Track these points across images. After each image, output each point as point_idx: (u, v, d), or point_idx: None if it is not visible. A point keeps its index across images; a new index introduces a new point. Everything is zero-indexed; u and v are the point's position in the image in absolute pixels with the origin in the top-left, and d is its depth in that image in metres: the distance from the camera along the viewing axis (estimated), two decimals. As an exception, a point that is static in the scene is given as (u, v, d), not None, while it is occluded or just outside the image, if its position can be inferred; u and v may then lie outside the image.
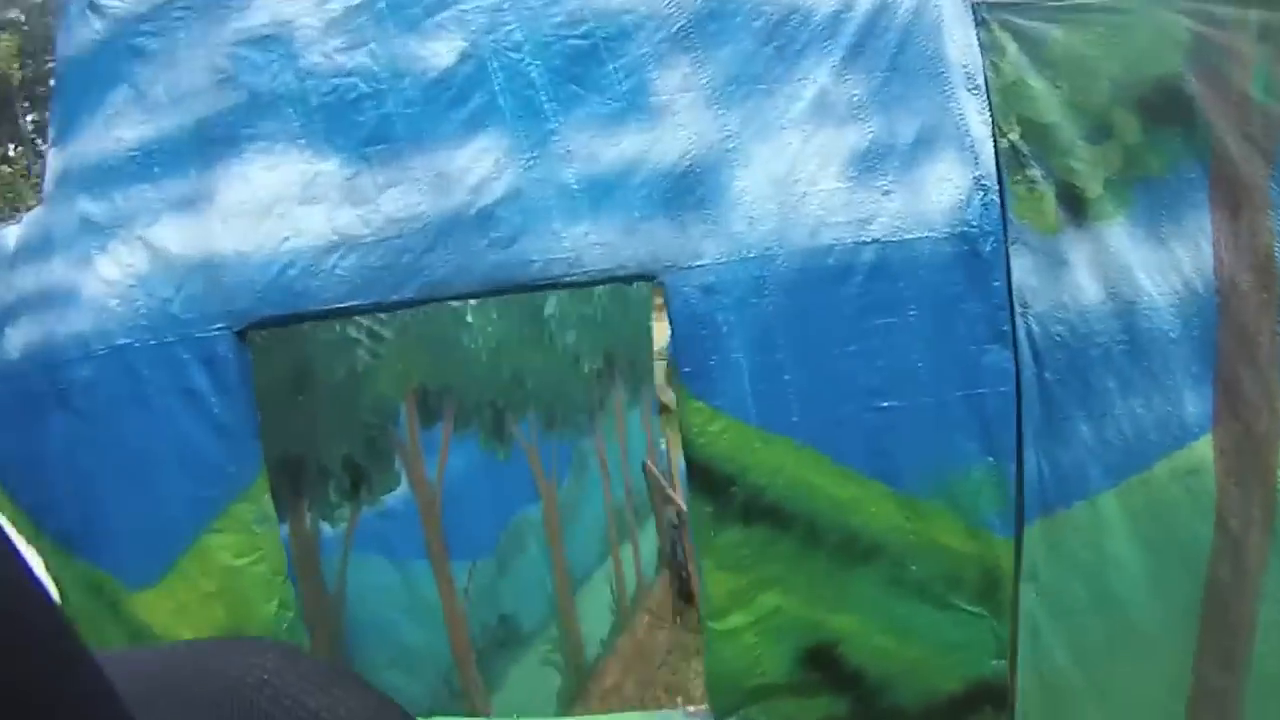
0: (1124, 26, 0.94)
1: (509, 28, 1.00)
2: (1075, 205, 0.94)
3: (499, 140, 1.01)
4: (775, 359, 0.95)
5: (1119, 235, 0.92)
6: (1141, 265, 0.91)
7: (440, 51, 1.03)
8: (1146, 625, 1.03)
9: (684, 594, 3.12)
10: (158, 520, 1.33)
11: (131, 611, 1.26)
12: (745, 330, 0.96)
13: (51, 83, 1.57)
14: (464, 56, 1.01)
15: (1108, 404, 0.94)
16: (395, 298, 1.05)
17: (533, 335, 1.69)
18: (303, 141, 1.11)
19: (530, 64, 1.00)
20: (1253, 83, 0.94)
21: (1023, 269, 0.92)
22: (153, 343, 1.29)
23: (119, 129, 1.38)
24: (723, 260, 0.96)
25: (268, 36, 1.14)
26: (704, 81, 0.96)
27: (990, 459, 0.96)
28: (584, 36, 0.99)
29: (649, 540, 2.80)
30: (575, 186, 0.99)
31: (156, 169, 1.27)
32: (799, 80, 0.95)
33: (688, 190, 0.97)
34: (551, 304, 1.78)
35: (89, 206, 1.43)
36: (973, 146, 0.94)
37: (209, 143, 1.19)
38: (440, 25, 1.02)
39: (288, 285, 1.13)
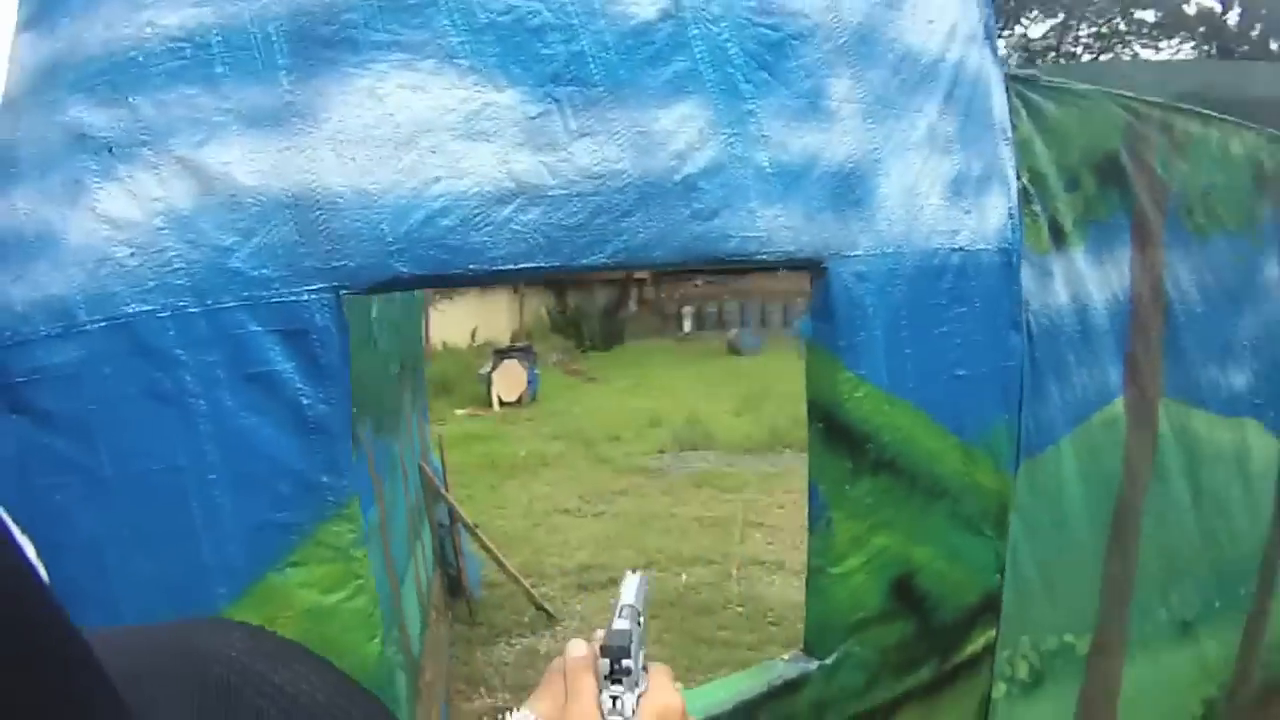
0: (1089, 109, 1.28)
1: None
2: (1058, 235, 1.26)
3: (703, 110, 0.91)
4: (900, 336, 1.09)
5: (1080, 258, 1.29)
6: (1091, 280, 1.30)
7: (639, 0, 0.88)
8: (1081, 537, 1.38)
9: (452, 589, 2.94)
10: (178, 568, 0.79)
11: None
12: (882, 312, 1.07)
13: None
14: (664, 15, 0.89)
15: (1069, 374, 1.30)
16: (585, 261, 0.87)
17: (363, 338, 1.54)
18: (464, 63, 0.81)
19: (730, 40, 0.92)
20: (1156, 161, 1.34)
21: (1026, 277, 1.20)
22: (195, 309, 0.75)
23: (152, 10, 0.75)
24: (872, 253, 1.05)
25: None
26: (861, 95, 1.02)
27: (1006, 415, 1.20)
28: (773, 28, 0.95)
29: (428, 538, 2.73)
30: (770, 170, 0.96)
31: (220, 68, 0.75)
32: (916, 111, 1.07)
33: (849, 189, 1.02)
34: (375, 307, 1.63)
35: (88, 115, 0.75)
36: (1008, 184, 1.18)
37: (314, 42, 0.77)
38: None
39: (438, 238, 0.80)
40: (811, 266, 1.03)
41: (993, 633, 1.28)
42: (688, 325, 14.96)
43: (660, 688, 0.59)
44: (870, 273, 1.05)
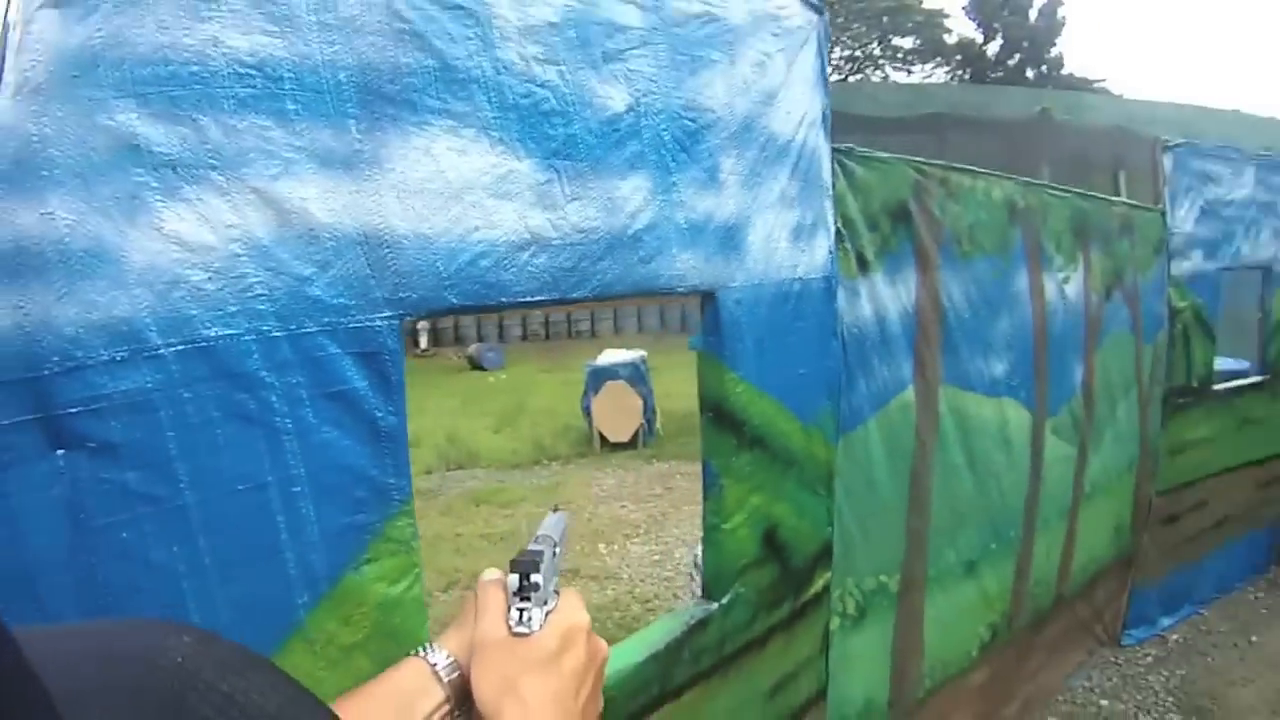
0: (887, 172, 1.88)
1: (656, 97, 1.29)
2: (863, 264, 1.81)
3: (646, 181, 1.29)
4: (763, 345, 1.54)
5: (880, 281, 1.86)
6: (888, 297, 1.87)
7: (613, 96, 1.22)
8: (888, 497, 1.96)
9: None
10: (264, 582, 0.90)
11: None
12: (752, 328, 1.51)
13: None
14: (629, 108, 1.25)
15: (873, 369, 1.85)
16: (574, 295, 1.18)
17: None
18: (495, 134, 1.07)
19: (665, 129, 1.32)
20: (935, 205, 1.99)
21: (841, 298, 1.73)
22: (279, 333, 0.89)
23: (218, 25, 0.84)
24: (745, 284, 1.49)
25: (463, 8, 1.03)
26: (741, 169, 1.47)
27: (830, 402, 1.71)
28: (691, 120, 1.37)
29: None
30: (684, 226, 1.36)
31: (291, 105, 0.89)
32: (773, 179, 1.55)
33: (731, 238, 1.45)
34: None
35: (142, 125, 0.80)
36: (829, 228, 1.71)
37: (379, 97, 0.96)
38: (614, 74, 1.23)
39: (478, 275, 1.06)
40: (706, 295, 1.45)
41: (829, 575, 1.80)
42: (424, 341, 14.85)
43: (569, 607, 0.64)
44: (744, 299, 1.50)
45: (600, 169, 1.18)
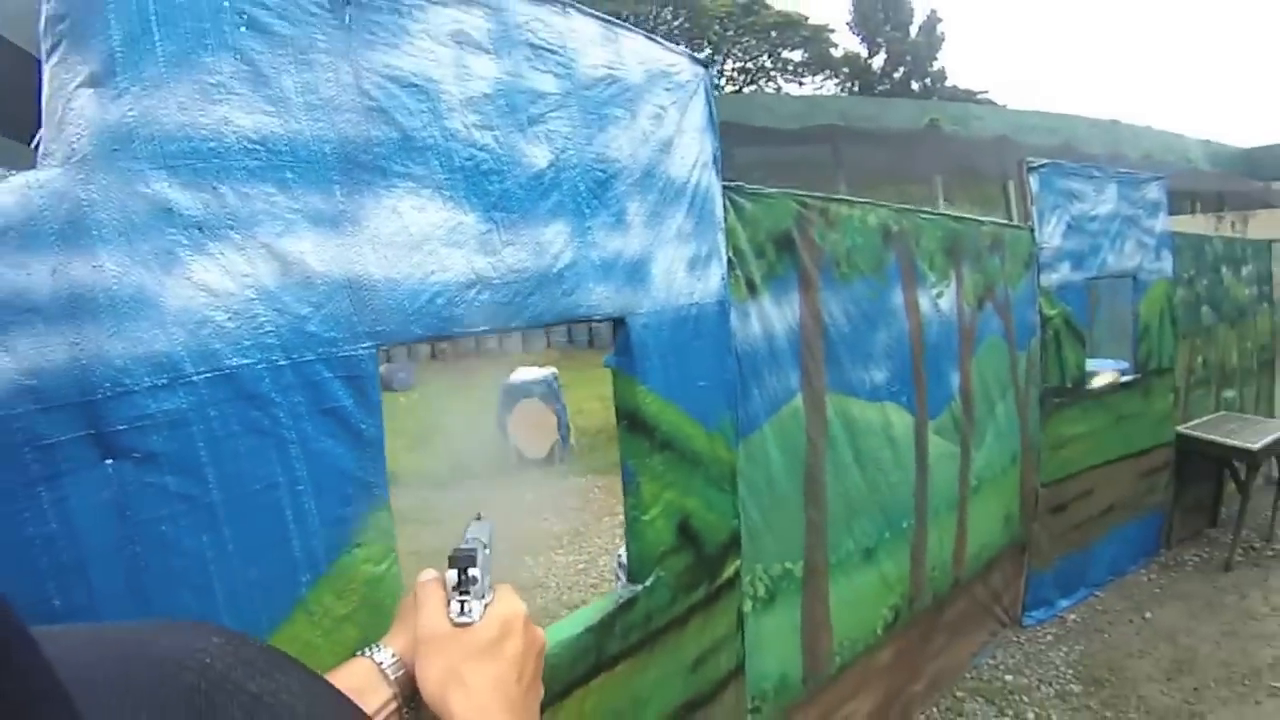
0: (773, 205, 2.29)
1: (571, 153, 1.63)
2: (752, 288, 2.20)
3: (566, 227, 1.63)
4: (668, 362, 1.88)
5: (767, 303, 2.25)
6: (775, 316, 2.27)
7: (538, 155, 1.56)
8: (786, 493, 2.32)
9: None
10: (272, 564, 1.18)
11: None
12: (657, 348, 1.86)
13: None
14: (550, 164, 1.59)
15: (764, 381, 2.23)
16: (512, 325, 1.52)
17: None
18: (447, 194, 1.40)
19: (579, 181, 1.65)
20: (815, 233, 2.46)
21: (734, 318, 2.08)
22: (284, 363, 1.18)
23: (227, 108, 1.12)
24: (650, 311, 1.84)
25: (418, 86, 1.35)
26: (644, 211, 1.81)
27: (730, 410, 2.07)
28: (602, 172, 1.71)
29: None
30: (598, 263, 1.70)
31: (289, 174, 1.18)
32: (671, 218, 1.90)
33: (637, 271, 1.80)
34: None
35: (174, 192, 1.07)
36: (722, 258, 2.08)
37: (356, 166, 1.26)
38: (537, 135, 1.56)
39: (437, 311, 1.38)
40: (617, 320, 1.83)
41: (739, 561, 2.20)
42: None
43: (505, 598, 0.69)
44: (649, 323, 1.89)
45: (529, 218, 1.54)
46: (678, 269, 1.98)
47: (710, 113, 2.13)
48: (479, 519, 0.90)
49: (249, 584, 1.14)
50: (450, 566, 0.71)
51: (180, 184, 1.07)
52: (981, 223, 3.69)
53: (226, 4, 1.12)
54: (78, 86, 1.00)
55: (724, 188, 2.17)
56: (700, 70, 2.11)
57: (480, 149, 1.47)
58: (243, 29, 1.13)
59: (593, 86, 1.73)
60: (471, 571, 0.70)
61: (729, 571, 2.18)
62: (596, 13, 1.74)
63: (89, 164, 1.00)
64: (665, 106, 1.96)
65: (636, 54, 1.85)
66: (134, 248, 1.03)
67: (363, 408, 1.28)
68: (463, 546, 0.73)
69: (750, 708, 2.30)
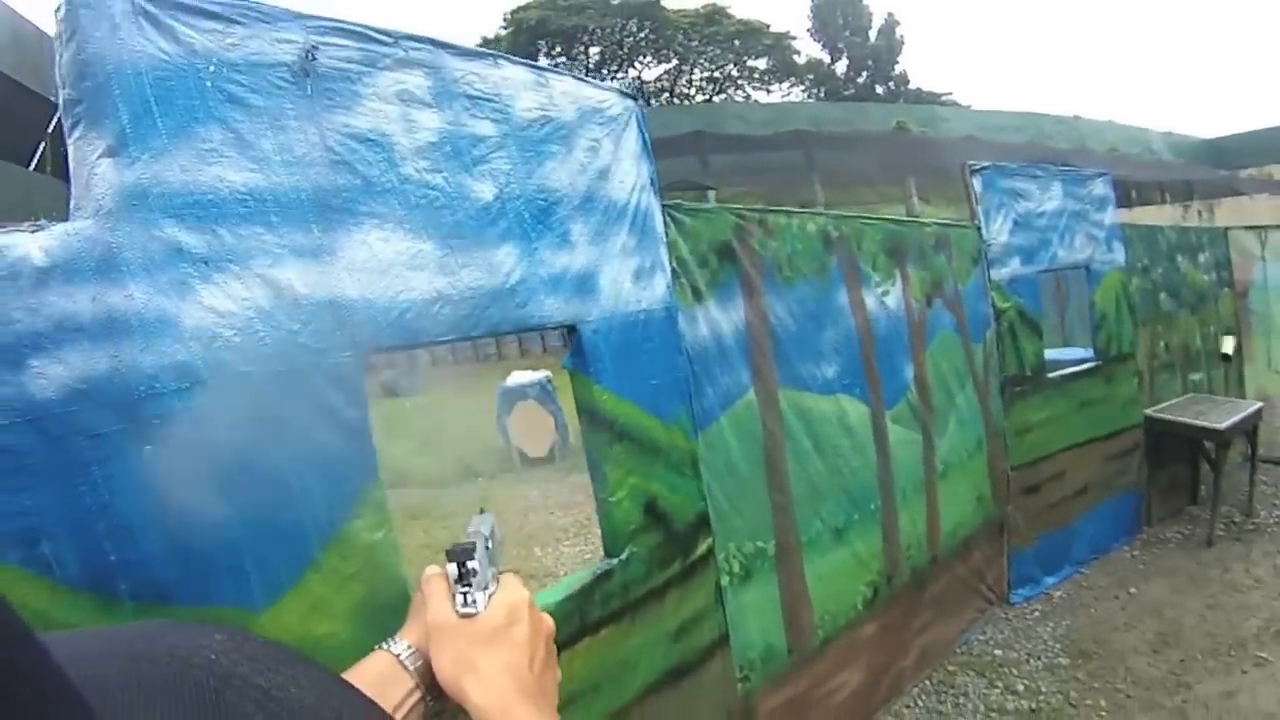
0: (711, 219, 2.60)
1: (514, 186, 1.90)
2: (698, 294, 2.46)
3: (515, 249, 1.89)
4: (620, 364, 2.11)
5: (713, 307, 2.52)
6: (721, 319, 2.53)
7: (484, 189, 1.83)
8: (749, 477, 2.56)
9: None
10: (286, 530, 1.43)
11: (258, 632, 1.20)
12: (609, 351, 2.10)
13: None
14: (495, 196, 1.86)
15: (716, 378, 2.49)
16: (473, 334, 1.77)
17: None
18: (406, 227, 1.67)
19: (524, 208, 1.92)
20: (755, 242, 2.73)
21: (682, 322, 2.34)
22: (282, 370, 1.45)
23: (220, 169, 1.40)
24: (599, 318, 2.08)
25: (373, 140, 1.63)
26: (588, 231, 2.07)
27: (685, 405, 2.32)
28: (545, 200, 1.97)
29: None
30: (546, 278, 1.95)
31: (274, 218, 1.45)
32: (615, 236, 2.16)
33: (585, 284, 2.05)
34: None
35: (182, 235, 1.35)
36: (665, 269, 2.36)
37: (328, 209, 1.54)
38: (481, 173, 1.83)
39: (407, 324, 1.64)
40: (569, 328, 2.10)
41: (711, 540, 2.43)
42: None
43: (509, 586, 0.72)
44: (599, 329, 2.15)
45: (481, 243, 1.82)
46: (624, 280, 2.25)
47: (644, 140, 2.43)
48: (481, 513, 0.95)
49: (269, 547, 1.39)
50: (449, 560, 0.75)
51: (187, 228, 1.35)
52: (924, 224, 4.00)
53: (209, 85, 1.40)
54: (99, 157, 1.29)
55: (664, 206, 2.45)
56: (630, 103, 2.41)
57: (432, 188, 1.75)
58: (226, 103, 1.42)
59: (528, 127, 2.02)
60: (470, 564, 0.72)
61: (701, 549, 2.41)
62: (526, 61, 2.05)
63: (114, 216, 1.28)
64: (599, 139, 2.26)
65: (567, 94, 2.15)
66: (154, 279, 1.31)
67: (350, 404, 1.54)
68: (461, 541, 0.75)
69: (740, 676, 2.51)
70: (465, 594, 0.73)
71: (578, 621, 1.92)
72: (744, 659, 2.49)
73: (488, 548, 0.80)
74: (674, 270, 2.45)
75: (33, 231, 1.24)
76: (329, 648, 1.45)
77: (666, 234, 2.45)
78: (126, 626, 0.45)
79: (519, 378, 8.67)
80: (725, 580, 2.49)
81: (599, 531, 2.18)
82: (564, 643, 1.91)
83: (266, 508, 1.39)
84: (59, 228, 1.26)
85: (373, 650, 0.84)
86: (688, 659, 2.26)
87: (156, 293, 1.31)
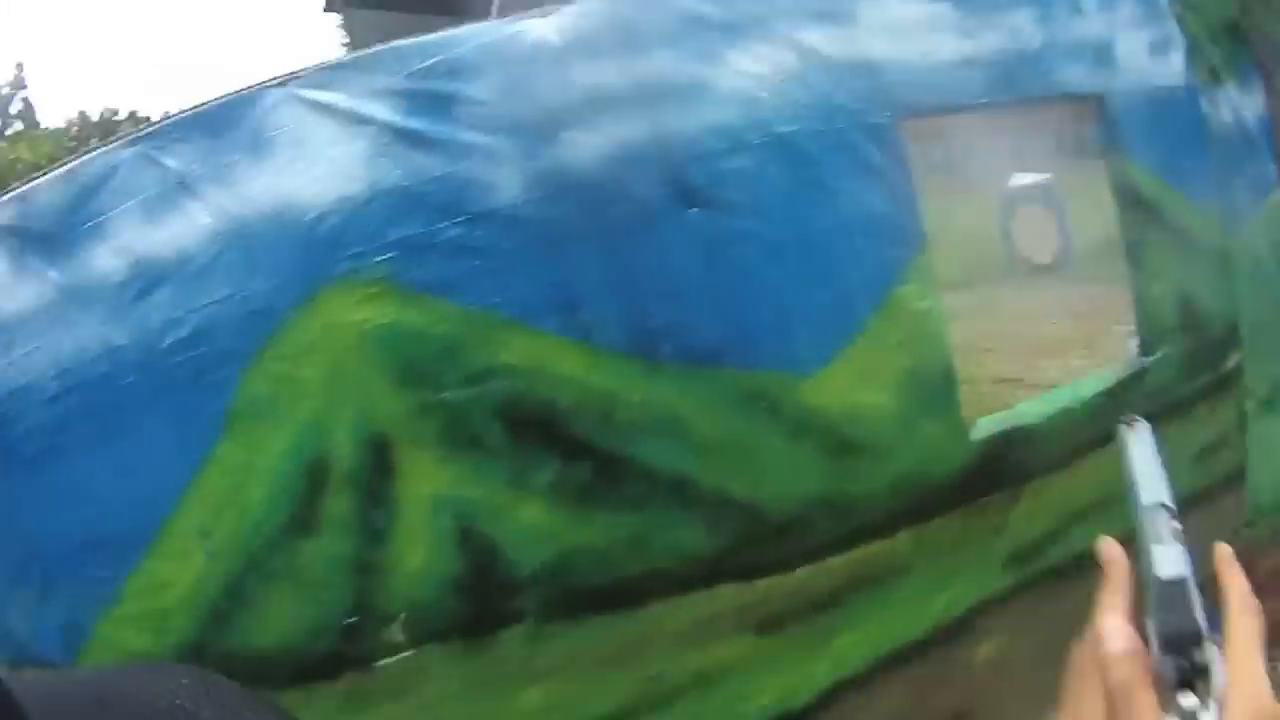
0: None
1: None
2: (1214, 74, 2.09)
3: (1030, 12, 1.75)
4: (1152, 140, 1.88)
5: (1233, 91, 2.10)
6: (1244, 107, 2.13)
7: None
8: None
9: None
10: (836, 293, 1.45)
11: (800, 401, 1.39)
12: (1139, 126, 1.87)
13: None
14: None
15: (1243, 170, 2.10)
16: (1002, 98, 1.67)
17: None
18: None
19: None
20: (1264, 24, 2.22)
21: (1203, 105, 2.13)
22: (822, 129, 1.46)
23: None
24: (1125, 90, 1.87)
25: None
26: None
27: (1215, 195, 2.01)
28: None
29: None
30: (1066, 44, 1.79)
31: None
32: (1121, 2, 1.92)
33: (1103, 53, 1.83)
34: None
35: (698, 5, 1.44)
36: (1179, 43, 2.01)
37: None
38: None
39: (939, 86, 1.59)
40: (1096, 98, 1.86)
41: (1240, 354, 2.08)
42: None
43: (1244, 674, 0.38)
44: (1127, 102, 1.88)
45: (995, 4, 1.75)
46: (1140, 52, 1.97)
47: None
48: (1128, 425, 0.49)
49: (817, 308, 1.44)
50: (1164, 653, 0.38)
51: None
52: None
53: None
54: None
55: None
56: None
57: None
58: None
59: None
60: (1198, 657, 0.37)
61: (1229, 363, 2.08)
62: None
63: None
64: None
65: None
66: (680, 48, 1.38)
67: (892, 166, 1.51)
68: (1167, 591, 0.38)
69: (1245, 522, 2.18)
70: (1193, 713, 0.37)
71: (1101, 425, 1.76)
72: (1254, 503, 2.13)
73: (1190, 577, 0.39)
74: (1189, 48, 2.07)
75: (544, 16, 1.35)
76: (871, 419, 1.47)
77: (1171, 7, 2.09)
78: (88, 669, 0.48)
79: (1022, 179, 8.12)
80: (1249, 404, 2.13)
81: (1109, 344, 1.96)
82: (1085, 446, 1.74)
83: (815, 270, 1.42)
84: (571, 9, 1.38)
85: None
86: (1201, 487, 1.99)
87: (684, 60, 1.37)
